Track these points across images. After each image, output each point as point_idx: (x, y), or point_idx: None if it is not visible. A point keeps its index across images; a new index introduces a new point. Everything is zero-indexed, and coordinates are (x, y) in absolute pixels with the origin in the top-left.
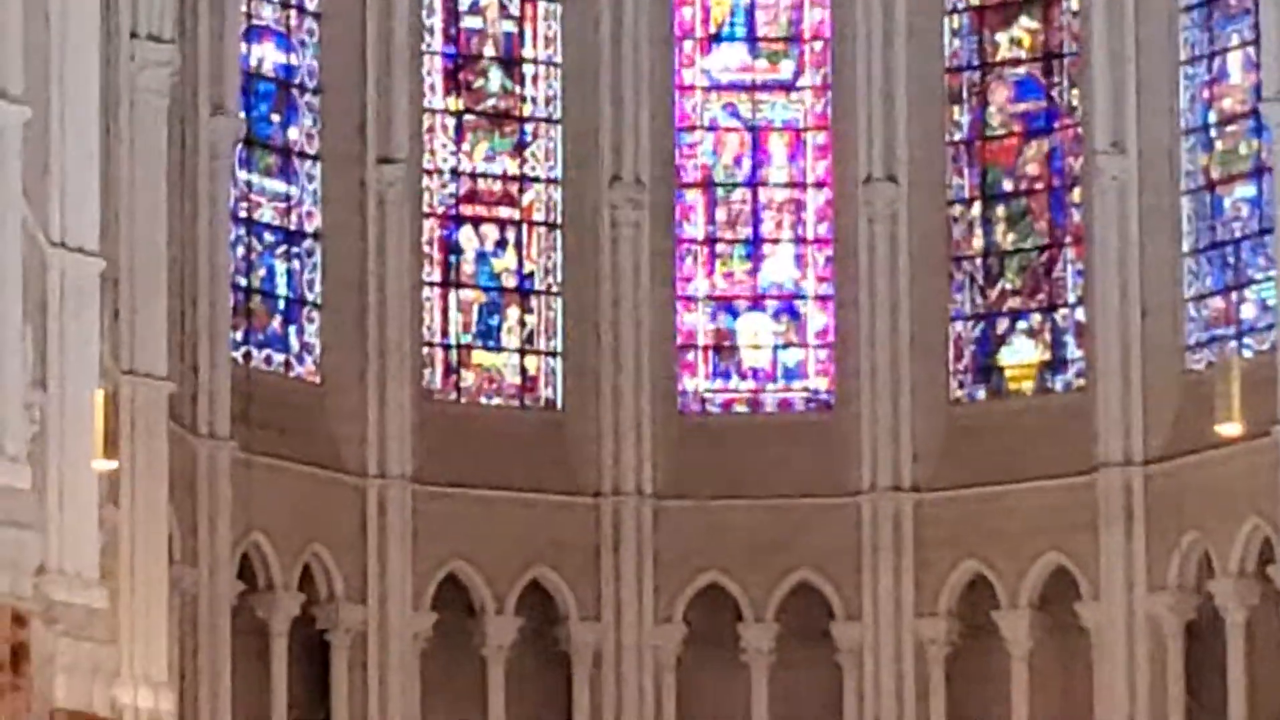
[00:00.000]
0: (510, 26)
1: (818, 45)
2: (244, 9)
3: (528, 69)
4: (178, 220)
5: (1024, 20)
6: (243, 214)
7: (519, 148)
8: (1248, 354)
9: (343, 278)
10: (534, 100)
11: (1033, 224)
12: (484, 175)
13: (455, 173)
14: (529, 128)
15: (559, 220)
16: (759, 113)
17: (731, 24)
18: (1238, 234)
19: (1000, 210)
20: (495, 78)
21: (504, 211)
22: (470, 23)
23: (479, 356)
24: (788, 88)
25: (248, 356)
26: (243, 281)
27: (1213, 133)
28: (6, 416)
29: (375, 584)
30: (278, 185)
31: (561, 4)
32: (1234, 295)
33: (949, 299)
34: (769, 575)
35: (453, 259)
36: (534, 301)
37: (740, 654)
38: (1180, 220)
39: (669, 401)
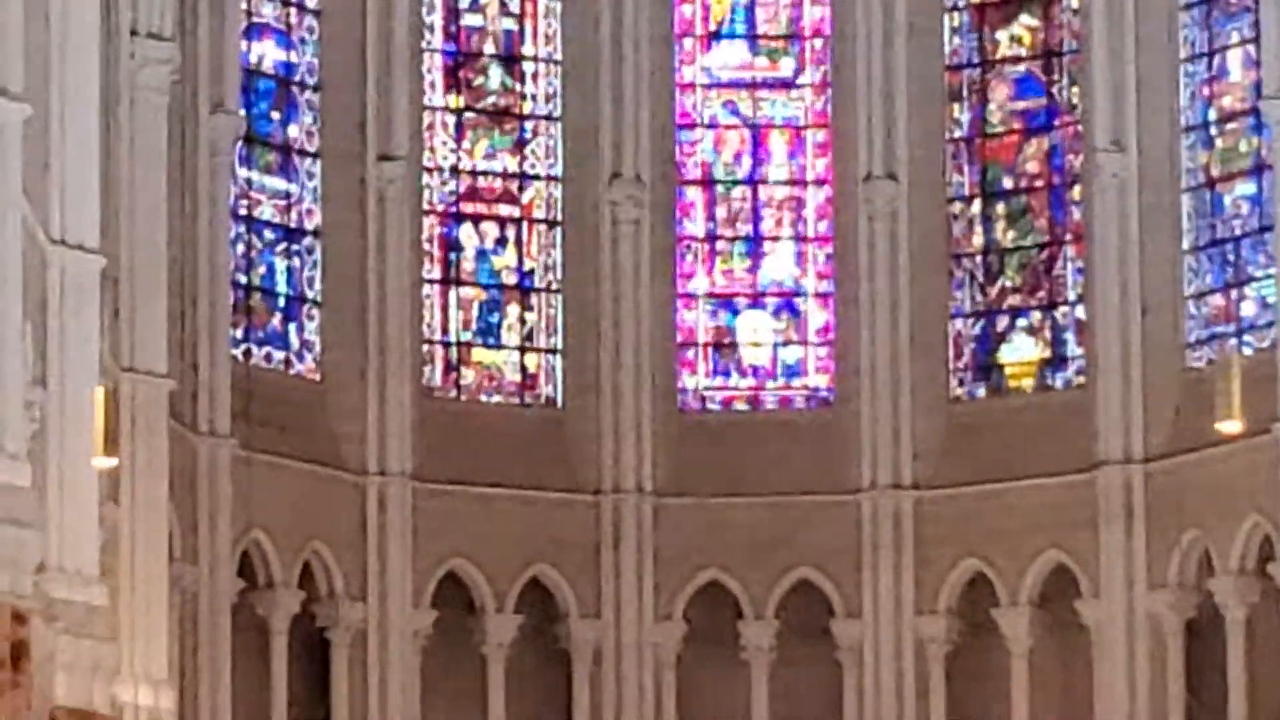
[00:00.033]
0: (510, 24)
1: (818, 43)
2: (244, 7)
3: (528, 66)
4: (178, 218)
5: (1024, 18)
6: (243, 211)
7: (519, 145)
8: (1248, 351)
9: (343, 275)
10: (534, 98)
11: (1033, 222)
12: (484, 173)
13: (455, 170)
14: (529, 125)
15: (559, 218)
16: (759, 110)
17: (731, 21)
18: (1238, 231)
19: (1000, 208)
20: (495, 75)
21: (504, 209)
22: (470, 20)
23: (479, 354)
24: (788, 85)
25: (248, 354)
26: (243, 279)
27: (1213, 130)
28: (6, 414)
29: (375, 581)
30: (278, 183)
31: (561, 2)
32: (1234, 293)
33: (949, 296)
34: (769, 573)
35: (453, 256)
36: (534, 299)
37: (740, 652)
38: (1180, 218)
39: (669, 399)
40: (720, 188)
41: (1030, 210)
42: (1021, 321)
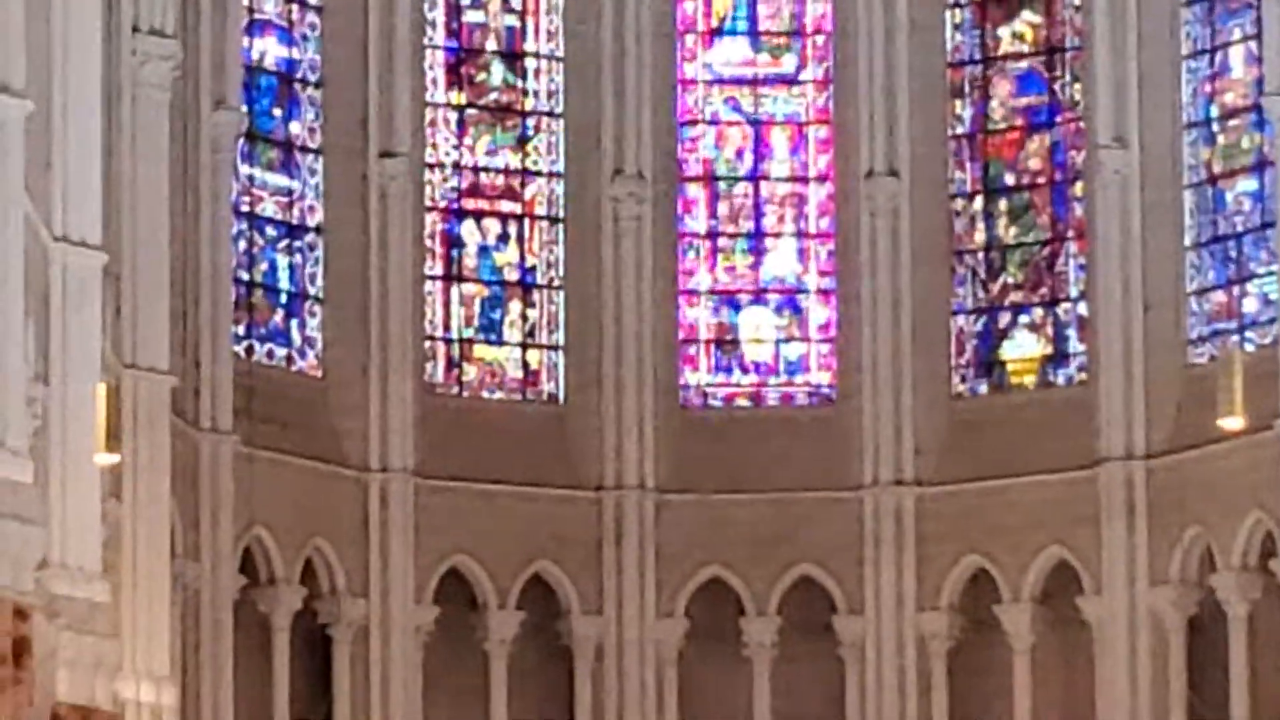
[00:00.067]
0: (512, 20)
1: (820, 39)
2: (246, 3)
3: (530, 63)
4: (180, 214)
5: (1026, 14)
6: (244, 208)
7: (521, 142)
8: (1249, 348)
9: (345, 272)
10: (536, 94)
11: (1035, 218)
12: (486, 169)
13: (457, 167)
14: (531, 121)
15: (561, 214)
16: (761, 107)
17: (734, 18)
18: (1239, 228)
19: (1002, 204)
20: (497, 72)
21: (506, 205)
22: (472, 17)
23: (481, 350)
24: (790, 82)
25: (250, 350)
26: (244, 276)
27: (1215, 127)
28: (9, 411)
29: (377, 578)
30: (279, 179)
31: None
32: (1236, 289)
33: (951, 293)
34: (771, 569)
35: (454, 253)
36: (536, 295)
37: (742, 648)
38: (1182, 214)
39: (671, 395)
40: (722, 184)
41: (1032, 206)
42: (1023, 318)
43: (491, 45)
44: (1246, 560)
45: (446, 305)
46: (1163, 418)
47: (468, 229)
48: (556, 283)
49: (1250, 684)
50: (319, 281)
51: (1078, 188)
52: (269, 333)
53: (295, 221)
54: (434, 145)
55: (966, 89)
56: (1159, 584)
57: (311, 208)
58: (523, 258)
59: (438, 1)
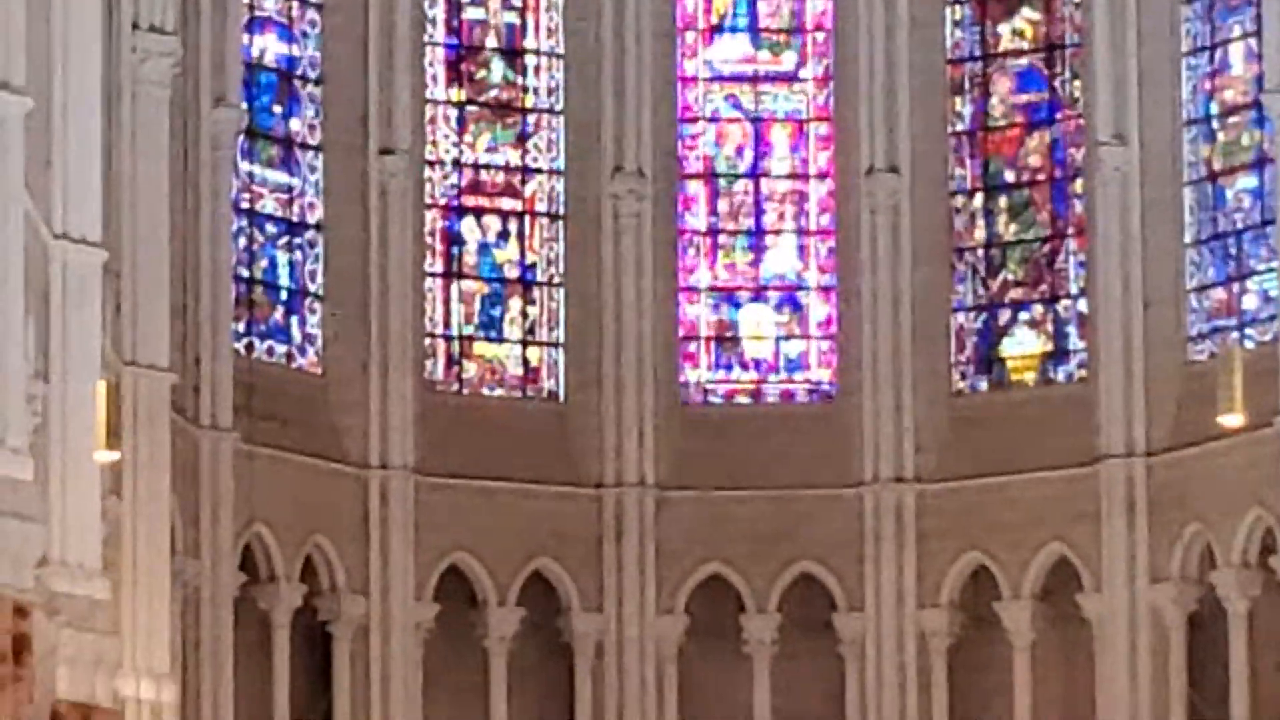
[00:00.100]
0: (512, 17)
1: (820, 36)
2: (245, 0)
3: (530, 60)
4: (179, 212)
5: (1026, 11)
6: (245, 205)
7: (521, 139)
8: (1250, 345)
9: (345, 269)
10: (536, 91)
11: (1035, 215)
12: (486, 166)
13: (457, 164)
14: (531, 119)
15: (561, 211)
16: (761, 104)
17: (734, 15)
18: (1240, 225)
19: (1002, 201)
20: (497, 69)
21: (506, 202)
22: (472, 14)
23: (481, 348)
24: (790, 79)
25: (250, 348)
26: (245, 273)
27: (1215, 124)
28: (9, 408)
29: (377, 575)
30: (280, 176)
31: None
32: (1236, 286)
33: (951, 290)
34: (771, 566)
35: (455, 250)
36: (536, 292)
37: (742, 645)
38: (1182, 211)
39: (671, 392)
40: (722, 181)
41: (1032, 204)
42: (1023, 315)
43: (492, 42)
44: (1246, 557)
45: (446, 302)
46: (1163, 415)
47: (468, 226)
48: (556, 280)
49: (1250, 681)
50: (319, 278)
51: (1078, 185)
52: (269, 330)
53: (295, 218)
54: (434, 142)
55: (966, 86)
56: (1159, 581)
57: (311, 205)
58: (523, 255)
59: None
